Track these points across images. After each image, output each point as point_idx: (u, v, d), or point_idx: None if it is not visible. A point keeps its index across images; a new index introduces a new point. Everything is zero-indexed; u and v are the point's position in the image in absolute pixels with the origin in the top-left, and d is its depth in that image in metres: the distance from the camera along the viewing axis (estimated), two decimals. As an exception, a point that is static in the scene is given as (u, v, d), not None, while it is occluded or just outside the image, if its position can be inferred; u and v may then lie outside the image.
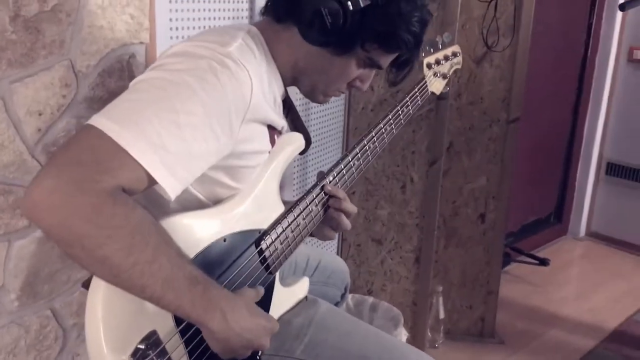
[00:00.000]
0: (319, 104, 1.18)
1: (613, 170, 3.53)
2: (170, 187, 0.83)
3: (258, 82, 0.93)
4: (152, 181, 0.82)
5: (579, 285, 3.14)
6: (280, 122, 1.04)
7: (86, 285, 1.01)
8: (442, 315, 2.41)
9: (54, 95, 1.18)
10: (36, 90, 1.15)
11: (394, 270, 2.30)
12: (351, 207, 1.15)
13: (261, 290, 0.99)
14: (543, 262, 3.17)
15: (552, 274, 3.22)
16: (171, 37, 1.36)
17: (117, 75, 1.26)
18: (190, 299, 0.83)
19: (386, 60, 1.06)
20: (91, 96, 1.23)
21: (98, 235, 0.76)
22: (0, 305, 1.19)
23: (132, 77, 1.28)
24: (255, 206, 1.02)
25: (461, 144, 2.33)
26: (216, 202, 0.99)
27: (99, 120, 0.80)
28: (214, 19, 1.48)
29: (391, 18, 0.98)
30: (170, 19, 1.36)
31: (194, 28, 1.42)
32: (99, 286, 0.82)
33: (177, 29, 1.38)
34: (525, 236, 3.33)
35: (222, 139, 0.89)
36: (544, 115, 3.17)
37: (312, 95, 1.11)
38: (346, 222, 1.16)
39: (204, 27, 1.45)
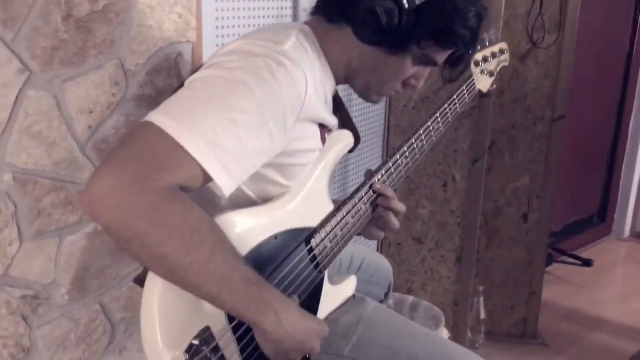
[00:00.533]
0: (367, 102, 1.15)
1: (659, 169, 3.44)
2: (225, 184, 0.83)
3: (312, 81, 0.93)
4: (207, 179, 0.82)
5: (624, 287, 3.06)
6: (332, 120, 1.04)
7: (137, 280, 1.03)
8: (483, 315, 2.38)
9: (104, 93, 1.19)
10: (87, 89, 1.17)
11: (435, 270, 2.28)
12: (400, 206, 1.14)
13: None
14: (586, 262, 3.11)
15: (596, 275, 3.15)
16: (217, 36, 1.37)
17: (165, 73, 1.27)
18: (244, 299, 0.83)
19: (442, 56, 1.04)
20: (140, 94, 1.24)
21: (157, 234, 0.76)
22: (52, 299, 1.21)
23: (179, 75, 1.29)
24: (306, 204, 1.02)
25: (504, 142, 2.30)
26: (266, 199, 0.99)
27: (156, 117, 0.81)
28: (259, 17, 1.49)
29: (448, 14, 0.96)
30: (217, 18, 1.36)
31: (239, 27, 1.43)
32: (155, 282, 0.82)
33: (222, 27, 1.38)
34: (568, 236, 3.27)
35: (275, 138, 0.88)
36: (587, 114, 3.10)
37: (366, 94, 1.10)
38: (395, 221, 1.14)
39: (249, 25, 1.46)
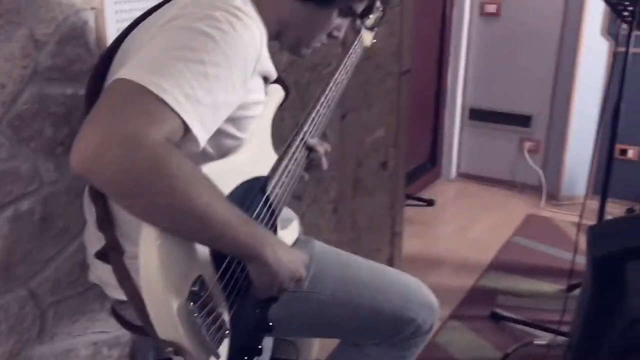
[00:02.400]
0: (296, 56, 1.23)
1: (475, 115, 3.93)
2: (202, 137, 0.87)
3: (264, 34, 0.98)
4: (186, 132, 0.85)
5: (460, 221, 3.48)
6: (275, 73, 1.10)
7: (100, 255, 1.03)
8: (357, 259, 2.58)
9: (15, 66, 1.12)
10: (-3, 63, 1.09)
11: (315, 223, 2.42)
12: (326, 145, 1.25)
13: None
14: (430, 202, 3.48)
15: (436, 214, 3.55)
16: (116, 2, 1.33)
17: (74, 42, 1.22)
18: (245, 237, 0.88)
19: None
20: (51, 66, 1.19)
21: (160, 185, 0.79)
22: (-23, 292, 1.13)
23: (87, 44, 1.25)
24: (258, 154, 1.08)
25: (360, 98, 2.49)
26: (222, 153, 1.03)
27: (134, 74, 0.82)
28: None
29: None
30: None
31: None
32: (152, 238, 0.84)
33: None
34: (410, 182, 3.62)
35: (238, 90, 0.93)
36: (415, 69, 3.43)
37: (296, 49, 1.17)
38: (324, 161, 1.25)
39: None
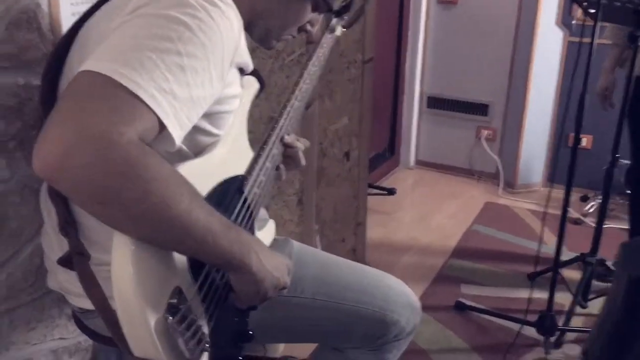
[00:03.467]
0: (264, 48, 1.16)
1: (433, 103, 3.92)
2: (178, 135, 0.80)
3: (241, 21, 0.91)
4: (161, 129, 0.78)
5: (421, 209, 3.48)
6: (251, 65, 1.03)
7: (63, 262, 0.94)
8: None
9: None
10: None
11: (279, 215, 2.36)
12: (304, 141, 1.19)
13: None
14: (390, 191, 3.45)
15: (398, 202, 3.53)
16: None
17: (25, 27, 1.11)
18: (228, 244, 0.81)
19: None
20: (1, 53, 1.08)
21: (136, 190, 0.71)
22: None
23: (39, 29, 1.14)
24: (235, 151, 1.01)
25: (323, 87, 2.43)
26: (197, 151, 0.96)
27: (103, 66, 0.74)
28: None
29: None
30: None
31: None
32: (125, 247, 0.76)
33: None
34: (370, 171, 3.59)
35: (215, 83, 0.86)
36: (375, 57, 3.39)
37: (265, 40, 1.10)
38: (301, 156, 1.19)
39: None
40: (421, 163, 4.06)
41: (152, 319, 0.77)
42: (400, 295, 1.23)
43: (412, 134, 3.98)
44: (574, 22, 3.40)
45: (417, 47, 3.79)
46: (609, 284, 2.55)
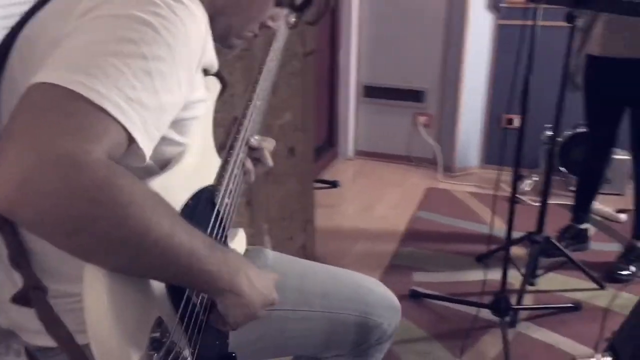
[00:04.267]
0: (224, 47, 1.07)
1: (369, 92, 3.91)
2: (148, 150, 0.72)
3: (206, 17, 0.82)
4: (130, 143, 0.69)
5: (364, 200, 3.46)
6: (216, 65, 0.94)
7: (18, 299, 0.83)
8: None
9: None
10: None
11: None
12: (270, 141, 1.12)
13: None
14: (334, 184, 3.42)
15: (340, 195, 3.50)
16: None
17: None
18: (215, 267, 0.74)
19: None
20: None
21: (110, 217, 0.63)
22: None
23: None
24: (202, 160, 0.93)
25: (265, 82, 2.35)
26: (161, 164, 0.87)
27: (60, 76, 0.64)
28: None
29: None
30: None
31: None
32: (98, 281, 0.67)
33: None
34: (311, 164, 3.54)
35: (183, 88, 0.78)
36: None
37: (225, 38, 1.01)
38: (269, 158, 1.13)
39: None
40: (360, 153, 4.04)
41: (135, 358, 0.69)
42: (382, 297, 1.19)
43: (349, 124, 3.96)
44: (502, 4, 3.46)
45: (351, 37, 3.76)
46: (555, 260, 2.63)
